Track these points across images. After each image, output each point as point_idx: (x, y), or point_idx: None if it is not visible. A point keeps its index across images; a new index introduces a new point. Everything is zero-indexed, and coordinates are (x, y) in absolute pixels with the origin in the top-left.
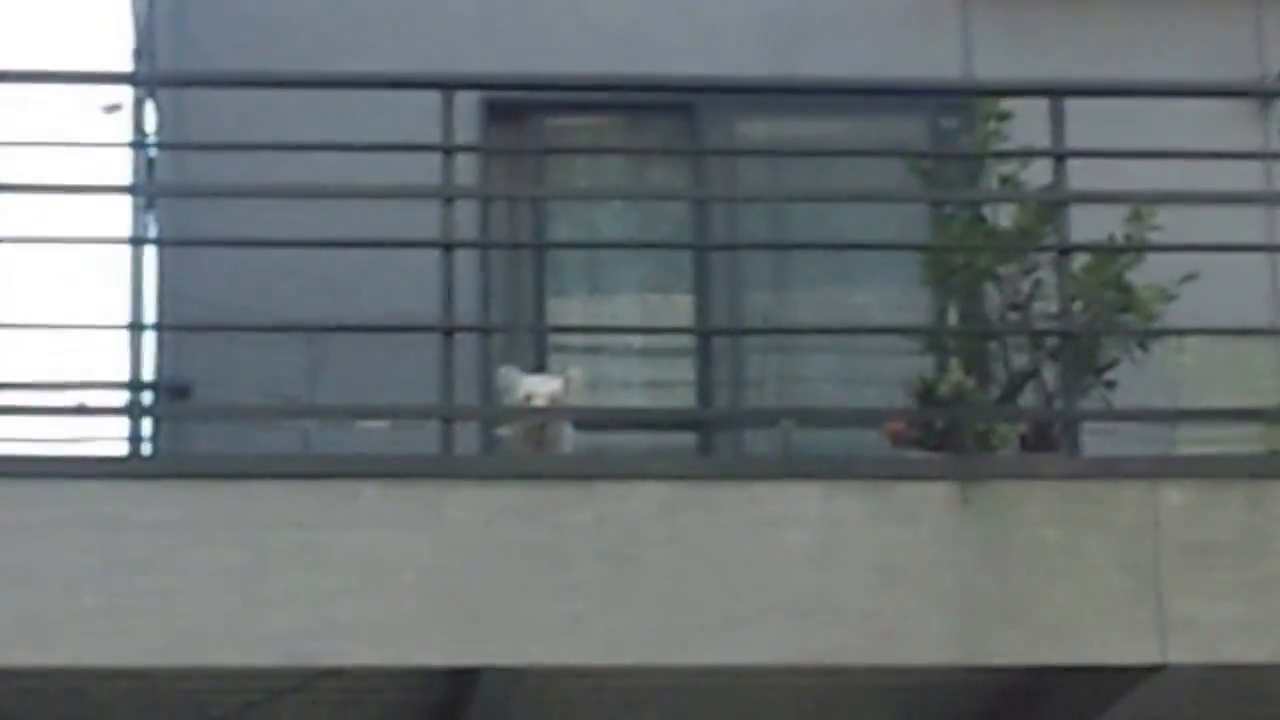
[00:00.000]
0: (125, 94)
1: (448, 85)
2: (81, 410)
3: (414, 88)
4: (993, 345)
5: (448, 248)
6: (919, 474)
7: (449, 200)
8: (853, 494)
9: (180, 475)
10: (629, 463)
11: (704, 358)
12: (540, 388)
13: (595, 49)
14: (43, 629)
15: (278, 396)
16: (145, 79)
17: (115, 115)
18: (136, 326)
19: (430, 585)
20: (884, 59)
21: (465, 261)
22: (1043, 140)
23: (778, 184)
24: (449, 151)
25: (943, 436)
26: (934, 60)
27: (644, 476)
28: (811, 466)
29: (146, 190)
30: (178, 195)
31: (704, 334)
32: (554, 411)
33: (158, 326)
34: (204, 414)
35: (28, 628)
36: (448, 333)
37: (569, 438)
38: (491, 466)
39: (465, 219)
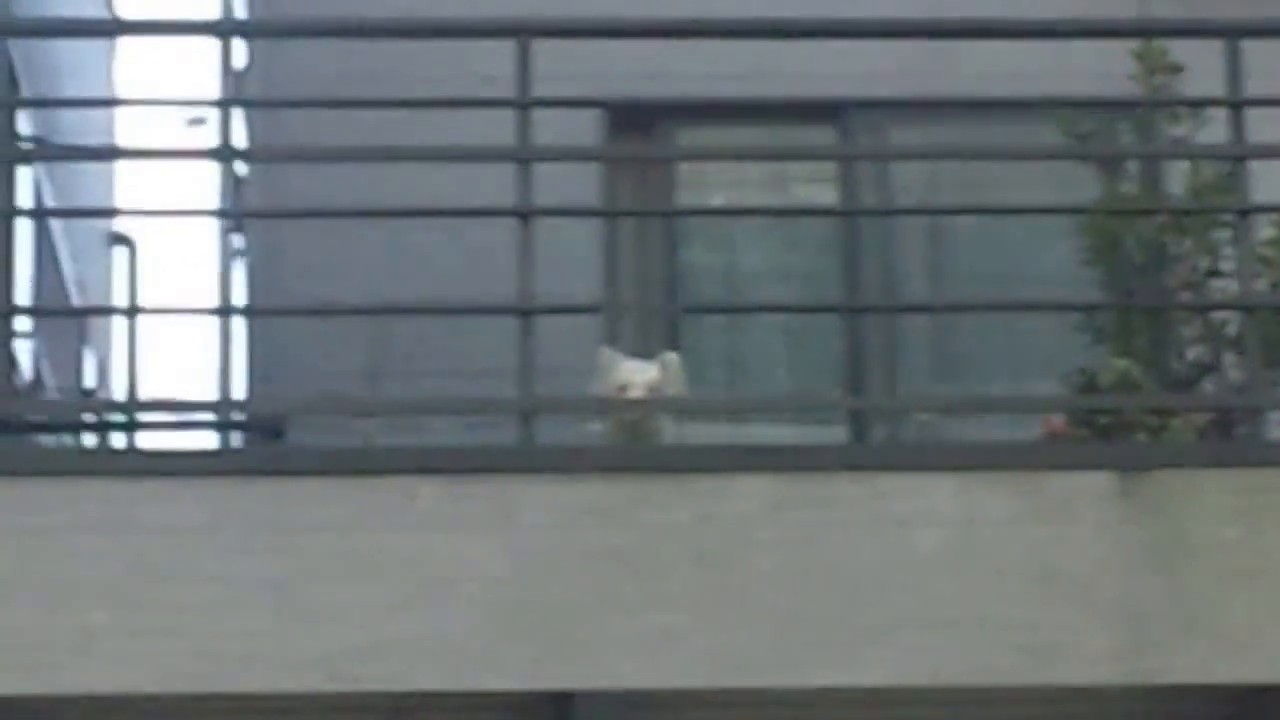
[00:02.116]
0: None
1: (524, 31)
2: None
3: (481, 35)
4: (1165, 331)
5: (525, 216)
6: (1072, 463)
7: (524, 163)
8: (995, 487)
9: (203, 472)
10: (732, 454)
11: (853, 338)
12: (636, 376)
13: (727, 46)
14: (45, 650)
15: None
16: (228, 27)
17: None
18: (225, 310)
19: (499, 597)
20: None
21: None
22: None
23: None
24: (524, 107)
25: (1106, 433)
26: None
27: (749, 469)
28: (945, 456)
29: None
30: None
31: (852, 310)
32: (652, 403)
33: (248, 311)
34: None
35: (27, 649)
36: (524, 315)
37: (669, 432)
38: (570, 459)
39: (586, 234)
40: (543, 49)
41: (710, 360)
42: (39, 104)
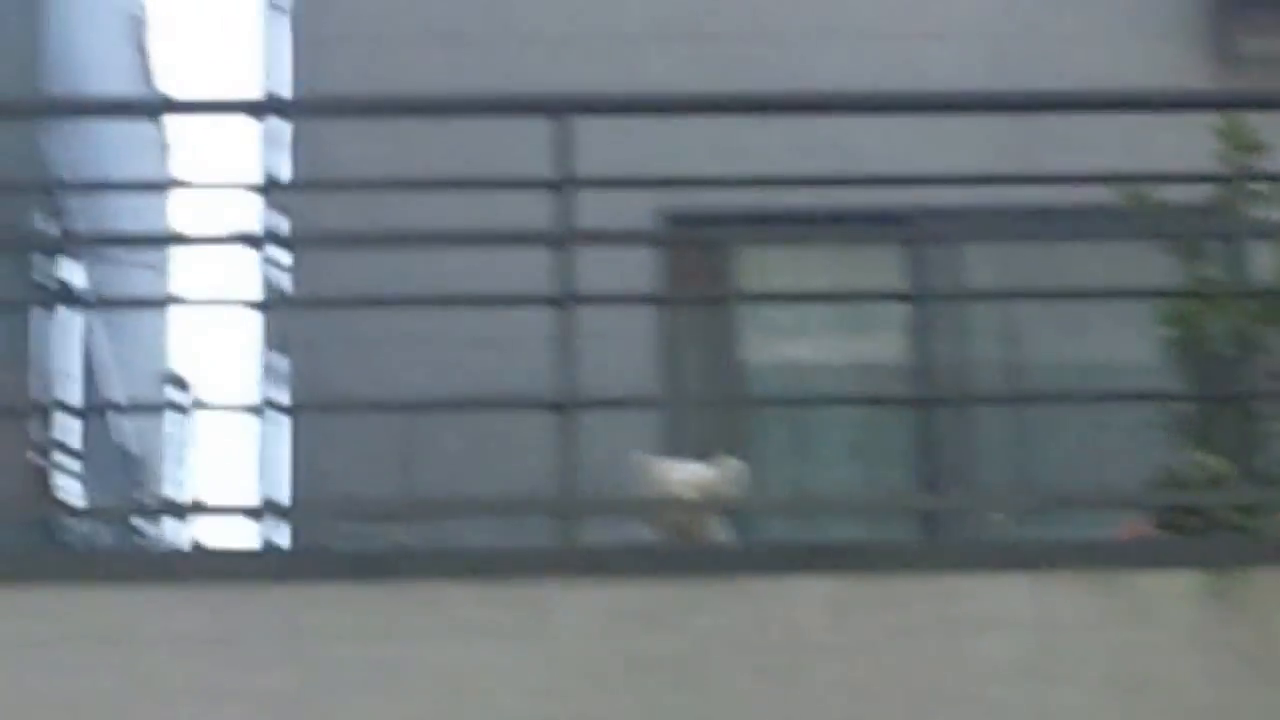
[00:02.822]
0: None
1: (558, 109)
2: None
3: (517, 113)
4: (1252, 425)
5: (564, 303)
6: (1157, 561)
7: (561, 244)
8: (1073, 588)
9: (212, 576)
10: (789, 553)
11: (925, 433)
12: (686, 478)
13: (792, 156)
14: None
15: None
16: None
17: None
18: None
19: (536, 711)
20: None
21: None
22: None
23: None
24: (559, 187)
25: (1193, 535)
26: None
27: (809, 570)
28: (1019, 555)
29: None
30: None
31: (922, 402)
32: (704, 504)
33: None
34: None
35: None
36: (562, 409)
37: (723, 537)
38: (612, 560)
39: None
40: (601, 158)
41: (773, 461)
42: (72, 187)
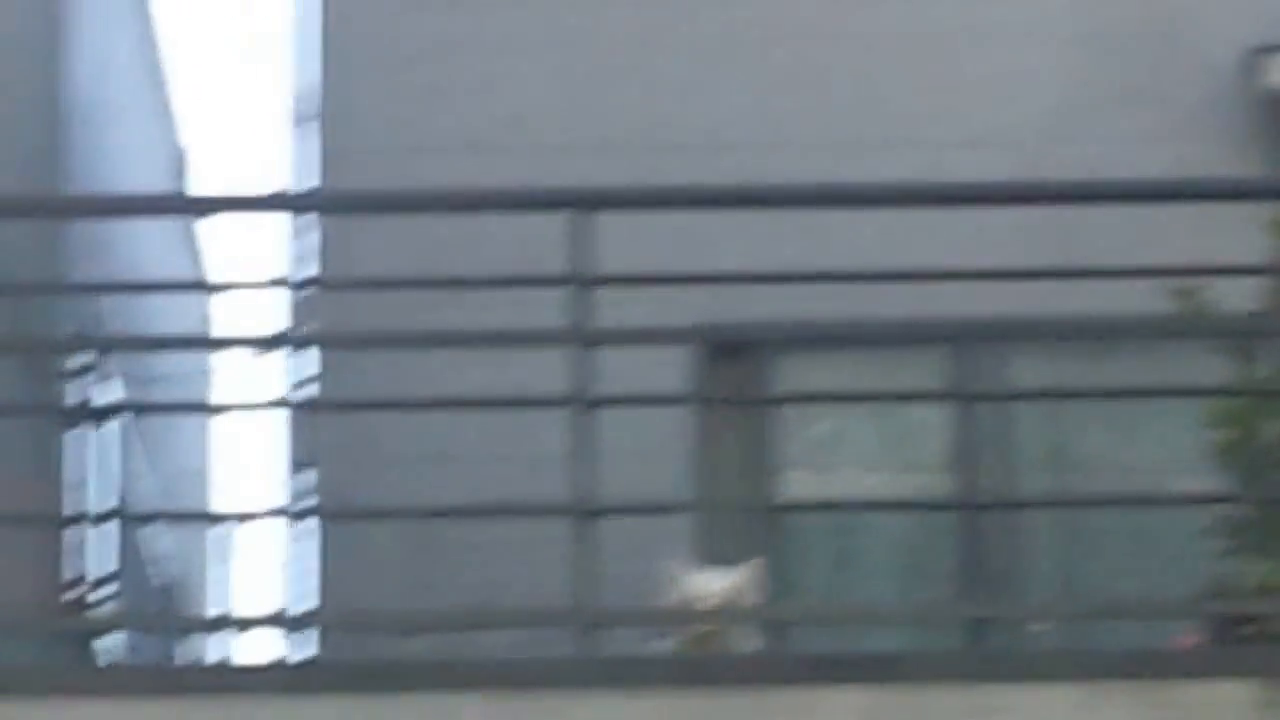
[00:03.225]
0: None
1: (579, 203)
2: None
3: (535, 208)
4: None
5: (583, 404)
6: (1210, 670)
7: (585, 346)
8: (1122, 699)
9: (211, 690)
10: (817, 663)
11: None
12: (712, 584)
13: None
14: None
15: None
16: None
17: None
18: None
19: None
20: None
21: None
22: None
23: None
24: (583, 285)
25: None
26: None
27: (838, 681)
28: (1064, 663)
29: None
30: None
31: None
32: (735, 613)
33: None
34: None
35: None
36: (582, 516)
37: (751, 647)
38: (631, 672)
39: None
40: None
41: (811, 570)
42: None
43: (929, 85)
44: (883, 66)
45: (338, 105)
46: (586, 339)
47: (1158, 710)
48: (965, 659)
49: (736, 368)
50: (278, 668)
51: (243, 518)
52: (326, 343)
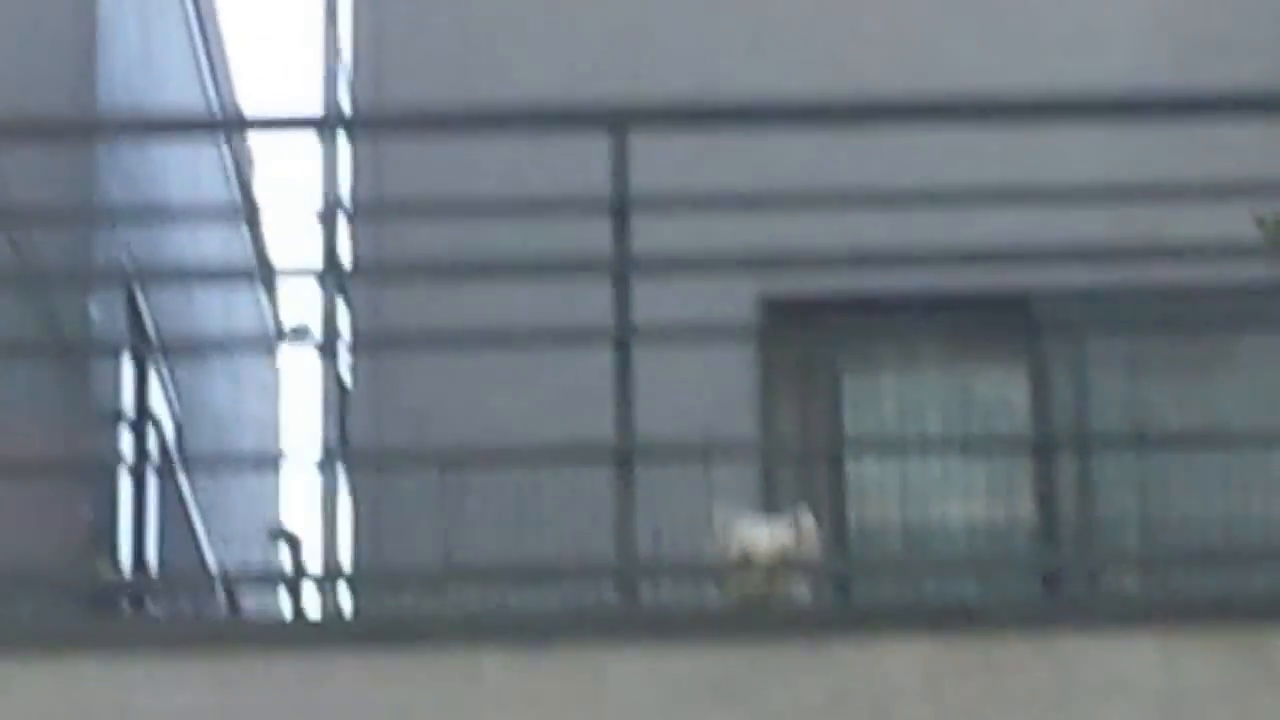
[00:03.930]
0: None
1: (617, 119)
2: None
3: (575, 124)
4: None
5: (623, 342)
6: None
7: (622, 276)
8: (1210, 649)
9: (213, 645)
10: (879, 613)
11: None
12: (762, 540)
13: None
14: None
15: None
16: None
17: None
18: None
19: None
20: None
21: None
22: None
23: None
24: (622, 213)
25: None
26: None
27: (901, 631)
28: (1146, 610)
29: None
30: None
31: (1043, 447)
32: (783, 567)
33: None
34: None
35: None
36: (623, 459)
37: (804, 599)
38: (675, 623)
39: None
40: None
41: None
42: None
43: (1006, 39)
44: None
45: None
46: (625, 267)
47: (1252, 662)
48: (1037, 607)
49: (802, 332)
50: (282, 622)
51: (273, 463)
52: (367, 273)
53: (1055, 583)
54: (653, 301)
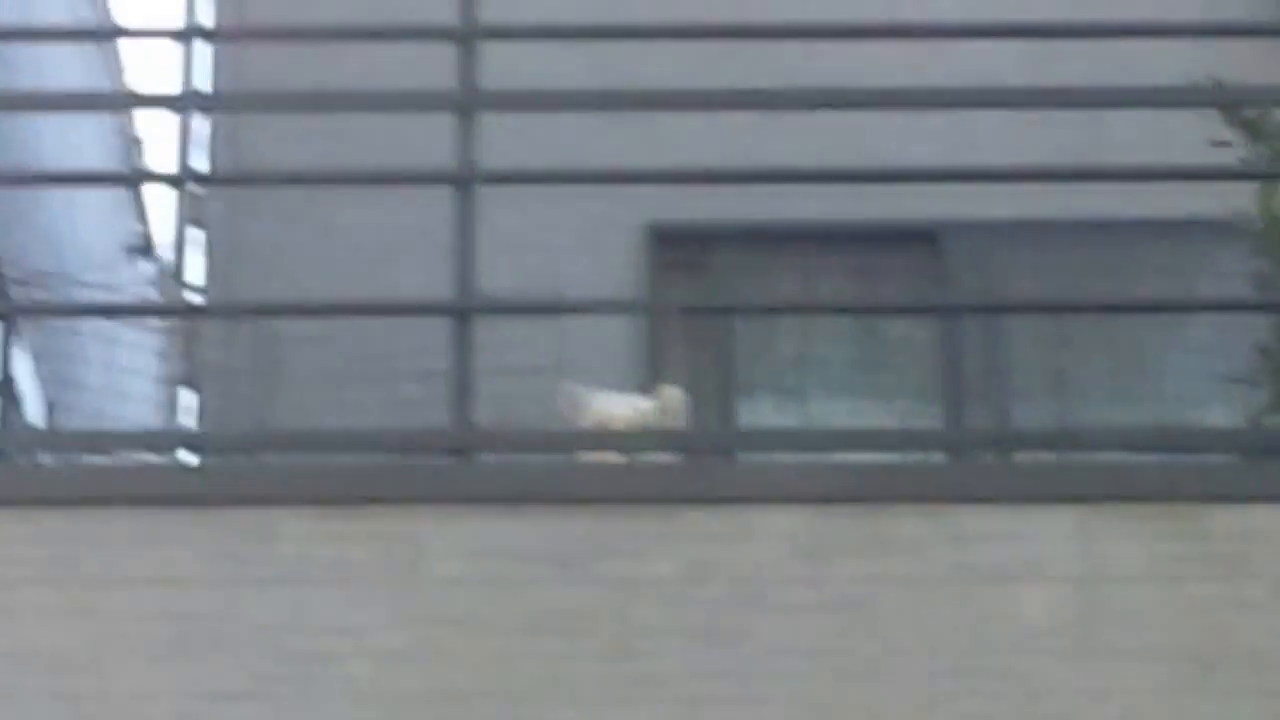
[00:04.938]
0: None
1: (462, 35)
2: None
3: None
4: None
5: (464, 182)
6: (1250, 492)
7: (465, 185)
8: (1134, 527)
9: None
10: (745, 476)
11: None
12: (620, 410)
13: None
14: None
15: None
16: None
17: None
18: None
19: (398, 682)
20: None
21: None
22: None
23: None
24: (467, 112)
25: None
26: None
27: (770, 499)
28: (1060, 482)
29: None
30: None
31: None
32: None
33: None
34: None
35: None
36: (462, 314)
37: None
38: (506, 486)
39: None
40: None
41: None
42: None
43: None
44: None
45: None
46: (471, 102)
47: (1181, 542)
48: (935, 476)
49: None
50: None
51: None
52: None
53: (958, 453)
54: (542, 224)
